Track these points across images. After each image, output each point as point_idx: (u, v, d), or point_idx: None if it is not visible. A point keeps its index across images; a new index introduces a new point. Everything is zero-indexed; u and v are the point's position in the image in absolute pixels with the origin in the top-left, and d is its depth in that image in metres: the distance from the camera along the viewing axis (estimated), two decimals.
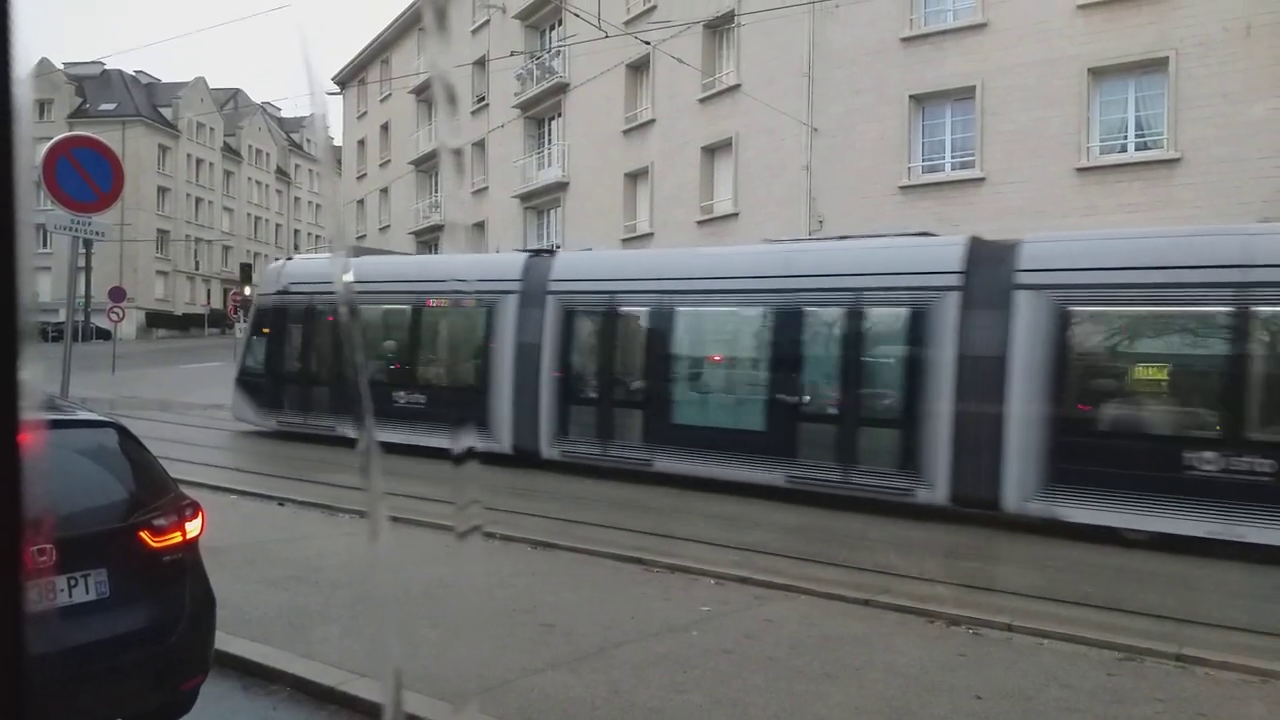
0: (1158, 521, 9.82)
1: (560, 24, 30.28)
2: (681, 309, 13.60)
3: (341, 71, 48.02)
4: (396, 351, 16.52)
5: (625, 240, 26.20)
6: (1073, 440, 10.41)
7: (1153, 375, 10.40)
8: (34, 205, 0.79)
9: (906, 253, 11.94)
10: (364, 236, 45.28)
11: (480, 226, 34.09)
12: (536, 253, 16.31)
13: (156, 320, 63.61)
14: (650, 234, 25.64)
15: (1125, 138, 17.28)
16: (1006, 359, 10.73)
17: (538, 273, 14.88)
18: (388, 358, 16.51)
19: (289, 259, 19.48)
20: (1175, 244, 10.37)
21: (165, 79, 70.60)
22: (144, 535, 4.12)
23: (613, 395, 14.15)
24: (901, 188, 19.56)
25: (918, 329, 11.47)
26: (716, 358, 13.97)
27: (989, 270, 11.10)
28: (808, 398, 12.44)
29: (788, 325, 12.57)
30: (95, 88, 64.60)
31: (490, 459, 14.51)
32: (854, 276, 12.05)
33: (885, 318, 12.02)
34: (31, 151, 0.78)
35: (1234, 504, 9.47)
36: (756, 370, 13.16)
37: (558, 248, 16.31)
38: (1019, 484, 10.58)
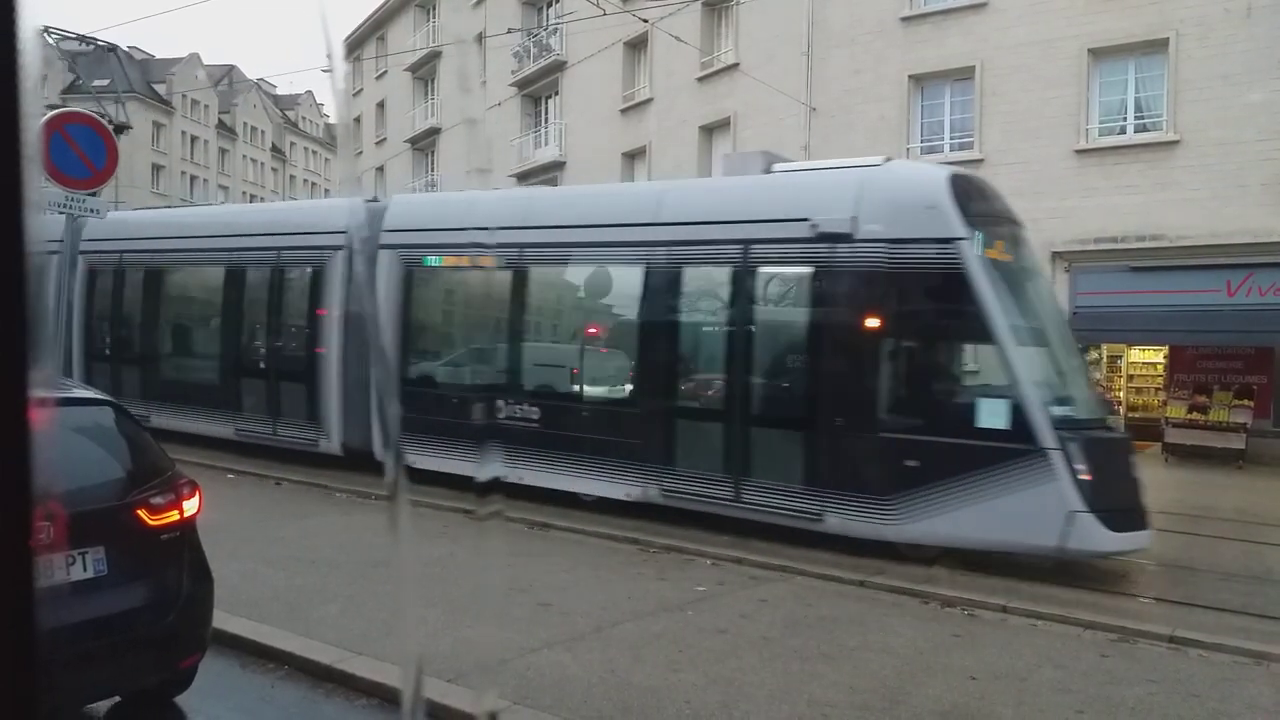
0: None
1: (558, 0, 30.04)
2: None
3: None
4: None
5: None
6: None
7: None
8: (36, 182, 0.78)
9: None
10: None
11: None
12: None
13: None
14: None
15: (1125, 119, 17.21)
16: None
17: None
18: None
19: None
20: None
21: (159, 55, 70.05)
22: (141, 513, 4.12)
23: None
24: None
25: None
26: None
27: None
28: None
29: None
30: (88, 63, 63.96)
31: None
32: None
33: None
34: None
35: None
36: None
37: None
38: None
